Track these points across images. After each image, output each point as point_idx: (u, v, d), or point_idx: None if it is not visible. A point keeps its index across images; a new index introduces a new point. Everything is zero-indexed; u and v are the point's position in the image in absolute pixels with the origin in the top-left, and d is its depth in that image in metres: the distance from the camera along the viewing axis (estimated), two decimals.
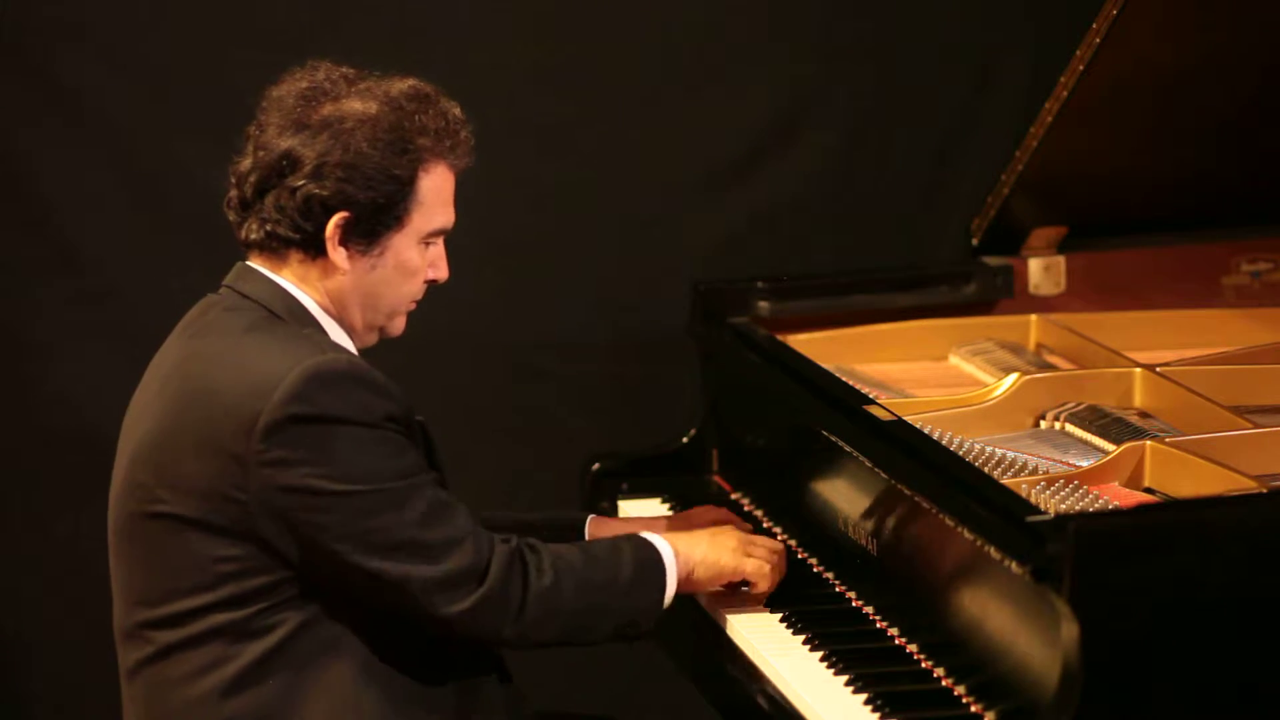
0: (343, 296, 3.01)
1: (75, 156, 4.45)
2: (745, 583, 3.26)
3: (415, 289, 3.06)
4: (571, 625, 3.02)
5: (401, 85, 3.01)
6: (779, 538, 3.59)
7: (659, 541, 3.12)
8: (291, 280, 3.01)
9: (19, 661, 4.58)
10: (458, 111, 3.05)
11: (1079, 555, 2.64)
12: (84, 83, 4.44)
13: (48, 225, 4.48)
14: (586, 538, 3.37)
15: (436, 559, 2.90)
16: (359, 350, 3.07)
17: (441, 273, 3.08)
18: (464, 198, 4.62)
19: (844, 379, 3.60)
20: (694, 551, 3.14)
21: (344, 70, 3.02)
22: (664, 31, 4.65)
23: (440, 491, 2.95)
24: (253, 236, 3.00)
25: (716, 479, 3.95)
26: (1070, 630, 2.65)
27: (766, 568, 3.21)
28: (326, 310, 3.02)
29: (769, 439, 3.74)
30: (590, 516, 3.40)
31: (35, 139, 4.45)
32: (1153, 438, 3.25)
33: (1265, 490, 3.02)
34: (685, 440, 3.98)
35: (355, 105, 2.97)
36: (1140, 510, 2.96)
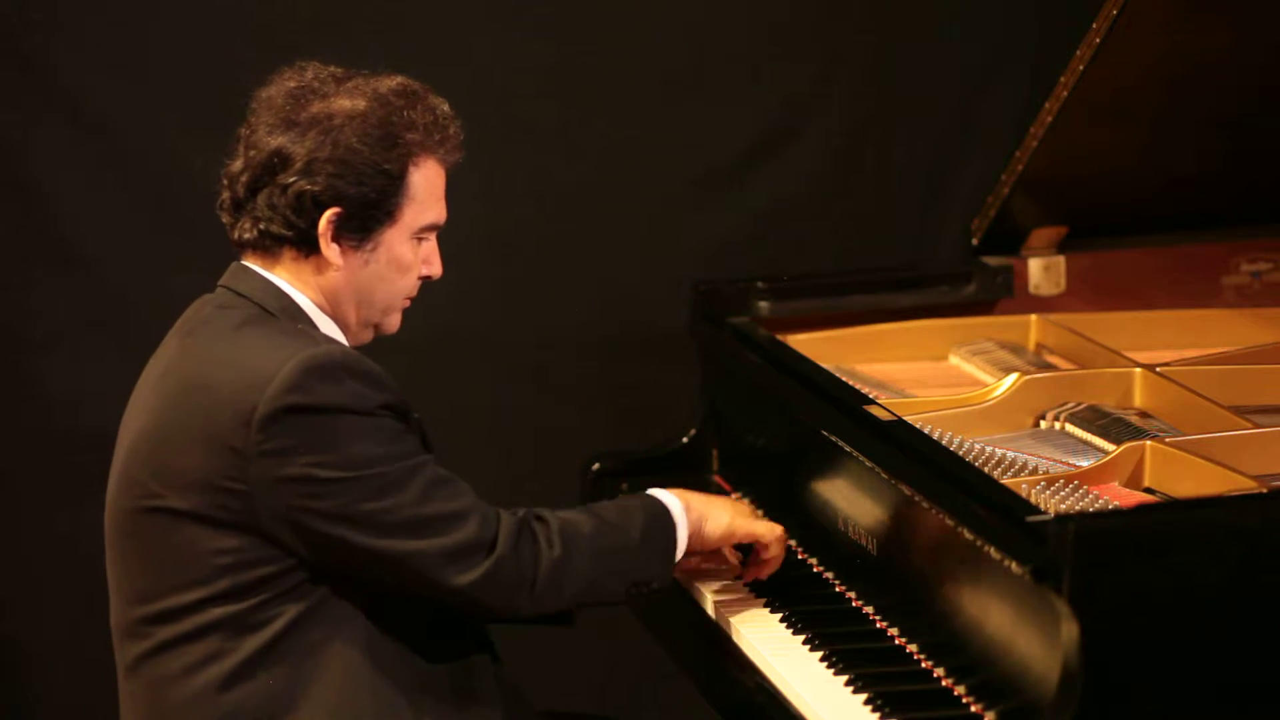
0: (337, 293, 3.03)
1: (75, 156, 4.45)
2: (746, 562, 3.32)
3: (409, 285, 3.08)
4: (584, 590, 3.05)
5: (390, 82, 3.04)
6: None
7: (668, 498, 3.16)
8: (285, 278, 3.03)
9: (19, 661, 4.58)
10: (446, 107, 3.08)
11: (1079, 555, 2.64)
12: (84, 83, 4.44)
13: (48, 225, 4.48)
14: None
15: (442, 532, 2.92)
16: (355, 349, 3.07)
17: (435, 268, 3.09)
18: (464, 197, 4.62)
19: (844, 379, 3.60)
20: (707, 508, 3.19)
21: (332, 69, 3.05)
22: (664, 32, 4.65)
23: (440, 469, 2.97)
24: (246, 236, 3.03)
25: (716, 479, 3.95)
26: (1070, 630, 2.65)
27: (779, 529, 3.26)
28: (321, 307, 3.04)
29: (769, 439, 3.74)
30: None
31: (35, 139, 4.44)
32: (1153, 438, 3.25)
33: (1265, 490, 3.02)
34: (685, 440, 3.98)
35: (344, 102, 2.99)
36: (1140, 510, 2.96)
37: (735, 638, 3.25)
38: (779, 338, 3.82)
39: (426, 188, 3.04)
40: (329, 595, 2.95)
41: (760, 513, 3.33)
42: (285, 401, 2.87)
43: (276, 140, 2.98)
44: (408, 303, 3.10)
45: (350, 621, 2.96)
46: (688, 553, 3.17)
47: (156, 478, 2.94)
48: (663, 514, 3.14)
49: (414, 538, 2.91)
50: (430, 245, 3.08)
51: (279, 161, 2.97)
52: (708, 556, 3.35)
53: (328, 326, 3.05)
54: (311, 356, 2.89)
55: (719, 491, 3.89)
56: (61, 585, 4.49)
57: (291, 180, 2.96)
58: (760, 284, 3.99)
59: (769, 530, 3.27)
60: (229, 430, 2.88)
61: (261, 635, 2.93)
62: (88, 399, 4.45)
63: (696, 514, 3.18)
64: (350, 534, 2.89)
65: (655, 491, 3.19)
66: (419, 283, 3.09)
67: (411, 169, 3.01)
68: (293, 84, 3.02)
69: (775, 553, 3.28)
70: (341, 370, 2.90)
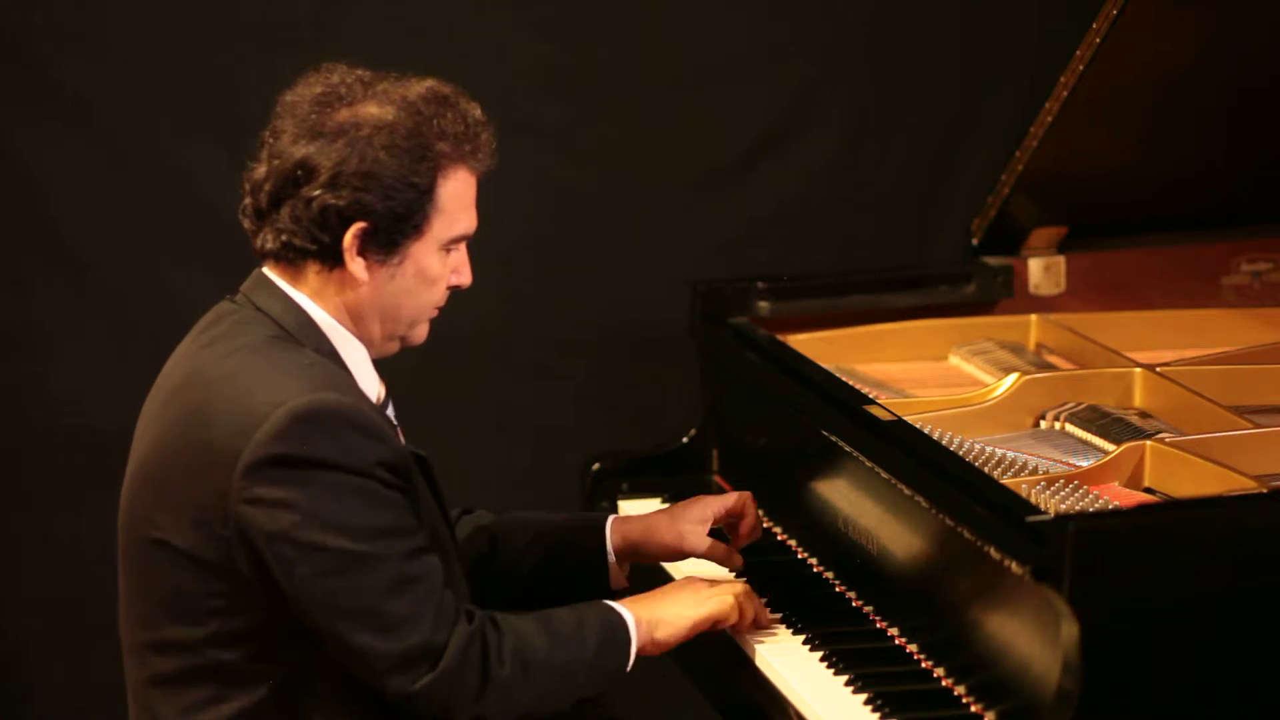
0: (361, 308, 2.94)
1: (75, 157, 4.45)
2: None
3: (437, 296, 2.99)
4: (533, 705, 2.95)
5: (419, 88, 2.93)
6: (779, 538, 3.60)
7: (623, 611, 3.03)
8: (307, 294, 2.93)
9: (19, 661, 4.58)
10: (478, 113, 2.98)
11: (1079, 555, 2.64)
12: (84, 83, 4.44)
13: (48, 225, 4.47)
14: (608, 540, 3.29)
15: (395, 635, 2.81)
16: (376, 360, 3.01)
17: (465, 278, 3.01)
18: None
19: (844, 379, 3.60)
20: (656, 612, 3.06)
21: (360, 73, 2.94)
22: (665, 31, 4.65)
23: (412, 563, 2.84)
24: (269, 246, 2.92)
25: (716, 479, 3.95)
26: (1070, 630, 2.65)
27: (730, 599, 3.11)
28: (342, 324, 2.95)
29: (769, 439, 3.74)
30: (611, 517, 3.32)
31: (35, 139, 4.44)
32: (1153, 438, 3.25)
33: (1265, 490, 3.02)
34: (685, 440, 3.98)
35: (372, 110, 2.89)
36: (1140, 510, 2.97)
37: (735, 637, 3.24)
38: (779, 338, 3.82)
39: (456, 199, 2.95)
40: (319, 661, 2.87)
41: (716, 583, 3.17)
42: (270, 451, 2.77)
43: (301, 150, 2.87)
44: (435, 313, 3.01)
45: (343, 689, 2.88)
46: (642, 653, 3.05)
47: (158, 507, 2.88)
48: (617, 630, 3.01)
49: (366, 631, 2.80)
50: (460, 255, 3.00)
51: (303, 173, 2.86)
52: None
53: (349, 343, 2.96)
54: (305, 404, 2.79)
55: (719, 492, 3.88)
56: (62, 585, 4.49)
57: (316, 193, 2.86)
58: (760, 284, 3.99)
59: (720, 607, 3.10)
60: (219, 472, 2.80)
61: (255, 692, 2.86)
62: (88, 399, 4.45)
63: (646, 626, 3.03)
64: (309, 604, 2.80)
65: (611, 604, 3.05)
66: (448, 293, 3.01)
67: (441, 180, 2.91)
68: (319, 89, 2.91)
69: (738, 623, 3.14)
70: (335, 420, 2.80)
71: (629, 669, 3.03)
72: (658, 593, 3.13)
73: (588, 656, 2.97)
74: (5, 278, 4.48)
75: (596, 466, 3.94)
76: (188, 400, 2.89)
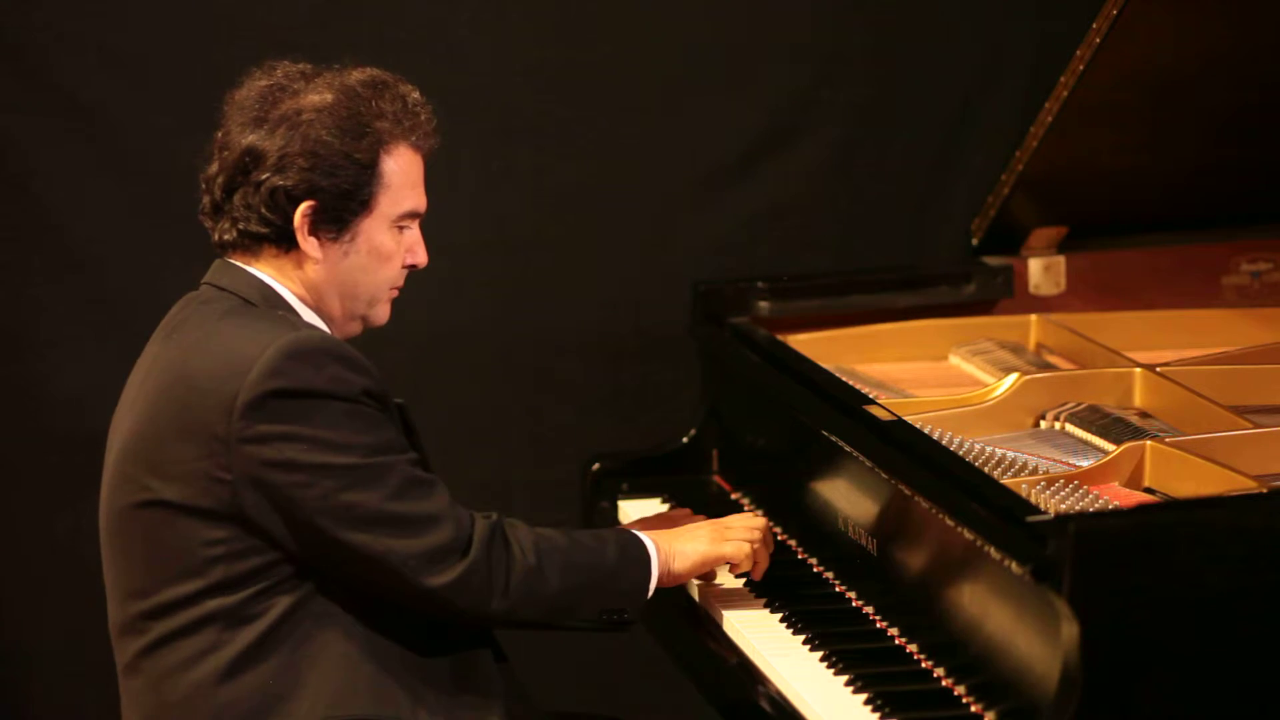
0: (319, 286, 3.04)
1: (75, 156, 4.45)
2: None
3: (392, 274, 3.08)
4: (557, 604, 3.04)
5: (358, 75, 3.06)
6: (779, 537, 3.60)
7: (641, 535, 3.15)
8: (267, 272, 3.04)
9: (19, 661, 4.58)
10: (417, 95, 3.08)
11: (1079, 555, 2.64)
12: (84, 82, 4.44)
13: (48, 225, 4.47)
14: None
15: (417, 533, 2.93)
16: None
17: (419, 258, 3.10)
18: (464, 197, 4.63)
19: (844, 379, 3.60)
20: (671, 543, 3.16)
21: (301, 67, 3.07)
22: (664, 31, 4.65)
23: (417, 469, 2.98)
24: (227, 238, 3.04)
25: (716, 479, 3.96)
26: (1070, 630, 2.65)
27: (746, 547, 3.22)
28: (304, 300, 3.05)
29: (769, 439, 3.74)
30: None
31: (35, 139, 4.44)
32: (1153, 438, 3.25)
33: (1265, 490, 3.02)
34: (685, 440, 3.98)
35: (312, 98, 3.02)
36: (1140, 510, 2.96)
37: (735, 638, 3.24)
38: (779, 338, 3.83)
39: (401, 175, 3.04)
40: (323, 586, 2.96)
41: (730, 525, 3.25)
42: (267, 386, 2.88)
43: (248, 139, 3.00)
44: (395, 293, 3.11)
45: (346, 611, 2.97)
46: (660, 588, 3.15)
47: (148, 472, 2.96)
48: (637, 546, 3.12)
49: (388, 535, 2.92)
50: (413, 234, 3.09)
51: (251, 160, 2.99)
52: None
53: (311, 319, 3.06)
54: (292, 341, 2.91)
55: (719, 492, 3.89)
56: (61, 585, 4.49)
57: (265, 177, 2.98)
58: (760, 284, 3.99)
59: (736, 550, 3.22)
60: (213, 419, 2.90)
61: (257, 626, 2.94)
62: (88, 399, 4.44)
63: (664, 553, 3.15)
64: (326, 524, 2.90)
65: (629, 529, 3.19)
66: (404, 272, 3.10)
67: (384, 157, 3.02)
68: (263, 83, 3.05)
69: (749, 568, 3.25)
70: (322, 354, 2.92)
71: (649, 592, 3.12)
72: (676, 529, 3.24)
73: (608, 561, 3.08)
74: (5, 278, 4.48)
75: (596, 466, 3.94)
76: (165, 374, 2.99)
